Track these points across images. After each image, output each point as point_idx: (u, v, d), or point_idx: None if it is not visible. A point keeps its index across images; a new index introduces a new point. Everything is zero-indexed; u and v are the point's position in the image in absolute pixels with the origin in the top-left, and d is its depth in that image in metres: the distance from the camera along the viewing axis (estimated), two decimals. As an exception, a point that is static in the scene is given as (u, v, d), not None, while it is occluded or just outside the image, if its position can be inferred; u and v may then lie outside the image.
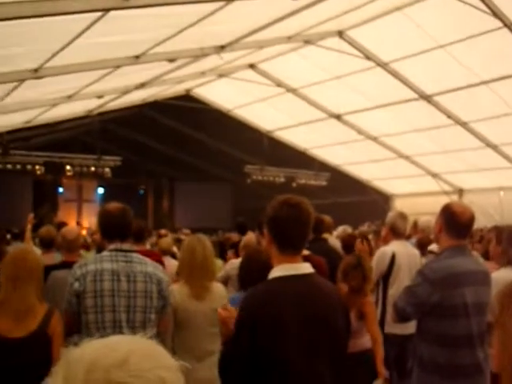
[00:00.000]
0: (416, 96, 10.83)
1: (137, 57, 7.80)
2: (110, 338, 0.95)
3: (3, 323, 3.40)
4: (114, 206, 3.73)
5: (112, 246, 3.58)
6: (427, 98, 10.79)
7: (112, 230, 3.63)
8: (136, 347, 0.92)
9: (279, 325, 2.37)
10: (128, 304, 3.46)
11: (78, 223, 20.96)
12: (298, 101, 12.51)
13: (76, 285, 3.43)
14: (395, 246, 5.59)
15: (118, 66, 8.01)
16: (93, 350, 0.90)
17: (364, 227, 11.45)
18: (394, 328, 5.07)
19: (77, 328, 3.51)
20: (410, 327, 4.25)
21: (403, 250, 5.61)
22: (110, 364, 0.87)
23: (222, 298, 4.21)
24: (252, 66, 11.51)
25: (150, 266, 3.64)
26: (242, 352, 2.38)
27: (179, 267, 4.46)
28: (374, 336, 4.55)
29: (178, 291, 4.12)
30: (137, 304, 3.49)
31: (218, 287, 4.36)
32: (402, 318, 3.63)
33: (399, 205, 15.75)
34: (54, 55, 6.72)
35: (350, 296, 4.37)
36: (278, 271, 2.52)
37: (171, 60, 8.30)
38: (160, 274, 3.66)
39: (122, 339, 0.95)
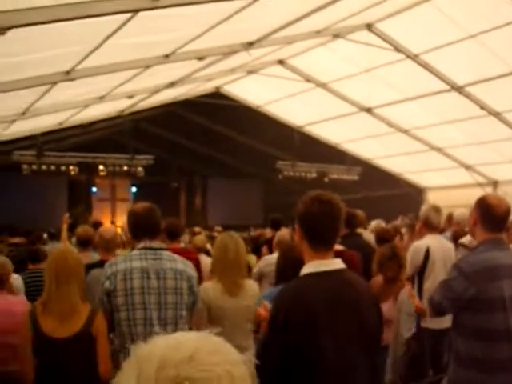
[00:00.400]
0: (447, 87, 10.67)
1: (166, 56, 7.86)
2: (176, 335, 0.96)
3: (48, 323, 3.46)
4: (141, 205, 3.78)
5: (141, 245, 3.62)
6: (459, 89, 10.63)
7: (140, 229, 3.68)
8: (203, 343, 0.93)
9: (311, 321, 2.36)
10: (158, 301, 3.50)
11: (113, 222, 21.18)
12: (327, 95, 12.44)
13: (107, 283, 3.49)
14: (429, 240, 5.53)
15: (148, 66, 8.08)
16: (161, 347, 0.91)
17: (397, 221, 11.33)
18: (430, 322, 5.03)
19: (110, 325, 3.58)
20: (446, 321, 4.21)
21: (437, 244, 5.54)
22: (180, 360, 0.88)
23: (254, 295, 4.24)
24: (281, 62, 11.49)
25: (180, 262, 3.68)
26: (275, 349, 2.38)
27: (212, 264, 4.49)
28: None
29: (211, 288, 4.15)
30: (167, 301, 3.53)
31: (250, 284, 4.38)
32: (438, 312, 3.60)
33: (432, 198, 15.56)
34: (85, 57, 6.81)
35: (386, 286, 4.36)
36: (309, 268, 2.53)
37: (200, 58, 8.33)
38: (190, 271, 3.69)
39: (188, 335, 0.96)
